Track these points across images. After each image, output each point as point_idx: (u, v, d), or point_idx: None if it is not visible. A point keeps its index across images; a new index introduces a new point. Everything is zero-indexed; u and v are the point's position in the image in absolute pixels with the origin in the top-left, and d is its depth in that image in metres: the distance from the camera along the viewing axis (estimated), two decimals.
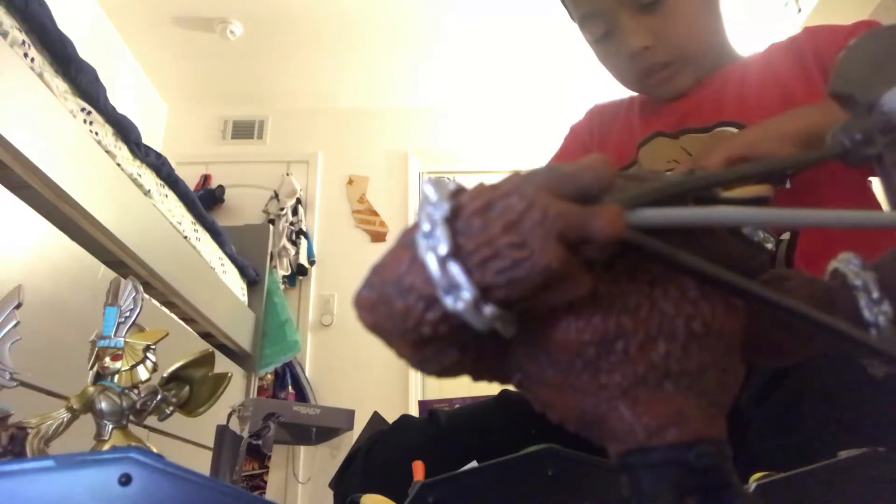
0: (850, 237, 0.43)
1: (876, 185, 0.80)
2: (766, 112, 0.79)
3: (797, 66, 0.83)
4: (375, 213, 3.30)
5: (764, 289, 0.23)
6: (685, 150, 0.85)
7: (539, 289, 0.20)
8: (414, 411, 2.53)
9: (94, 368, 0.51)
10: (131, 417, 0.51)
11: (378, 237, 3.25)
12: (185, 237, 1.87)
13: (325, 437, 2.16)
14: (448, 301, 0.20)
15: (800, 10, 2.41)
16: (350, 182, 3.37)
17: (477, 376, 0.24)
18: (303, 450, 2.71)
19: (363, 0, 2.80)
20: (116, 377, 0.51)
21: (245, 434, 0.92)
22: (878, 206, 0.79)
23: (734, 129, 0.81)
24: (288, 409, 1.91)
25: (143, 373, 0.52)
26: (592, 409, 0.23)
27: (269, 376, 2.70)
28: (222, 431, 0.86)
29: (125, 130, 1.52)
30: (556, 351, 0.23)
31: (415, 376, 2.96)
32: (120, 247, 1.48)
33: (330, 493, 0.74)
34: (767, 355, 0.28)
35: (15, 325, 0.49)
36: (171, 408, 0.54)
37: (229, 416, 0.93)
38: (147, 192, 1.63)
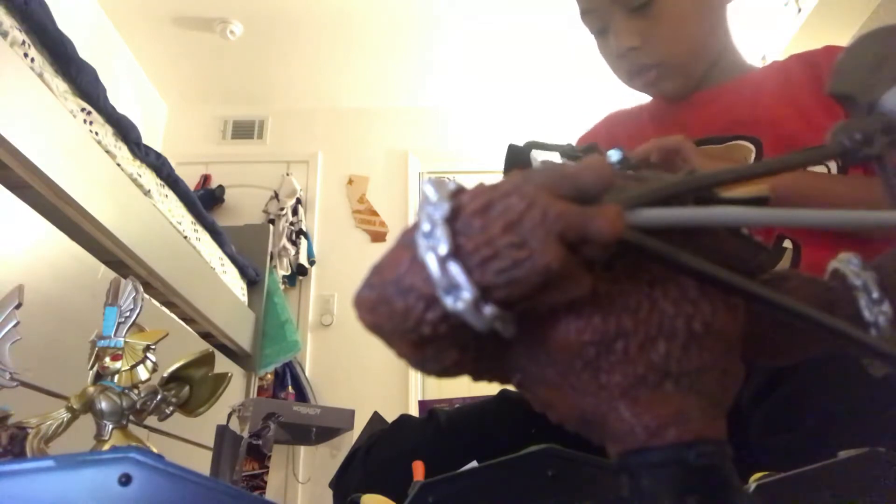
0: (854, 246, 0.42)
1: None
2: (779, 128, 0.79)
3: (815, 84, 0.82)
4: (375, 213, 3.30)
5: (764, 289, 0.23)
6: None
7: (539, 289, 0.20)
8: (414, 411, 2.53)
9: (94, 368, 0.51)
10: (131, 417, 0.51)
11: (378, 237, 3.24)
12: (185, 237, 1.87)
13: (325, 437, 2.16)
14: (448, 301, 0.20)
15: (800, 10, 2.41)
16: (350, 182, 3.37)
17: (477, 376, 0.24)
18: (303, 450, 2.71)
19: (363, 0, 2.80)
20: (116, 377, 0.51)
21: (245, 434, 0.92)
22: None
23: (748, 144, 0.81)
24: (288, 409, 1.90)
25: (143, 373, 0.52)
26: (592, 409, 0.23)
27: (269, 376, 2.70)
28: (222, 431, 0.86)
29: (125, 130, 1.52)
30: (556, 351, 0.23)
31: (415, 376, 2.96)
32: (120, 247, 1.48)
33: (330, 493, 0.74)
34: (767, 355, 0.28)
35: (15, 325, 0.49)
36: (171, 408, 0.54)
37: (229, 416, 0.93)
38: (147, 192, 1.63)
